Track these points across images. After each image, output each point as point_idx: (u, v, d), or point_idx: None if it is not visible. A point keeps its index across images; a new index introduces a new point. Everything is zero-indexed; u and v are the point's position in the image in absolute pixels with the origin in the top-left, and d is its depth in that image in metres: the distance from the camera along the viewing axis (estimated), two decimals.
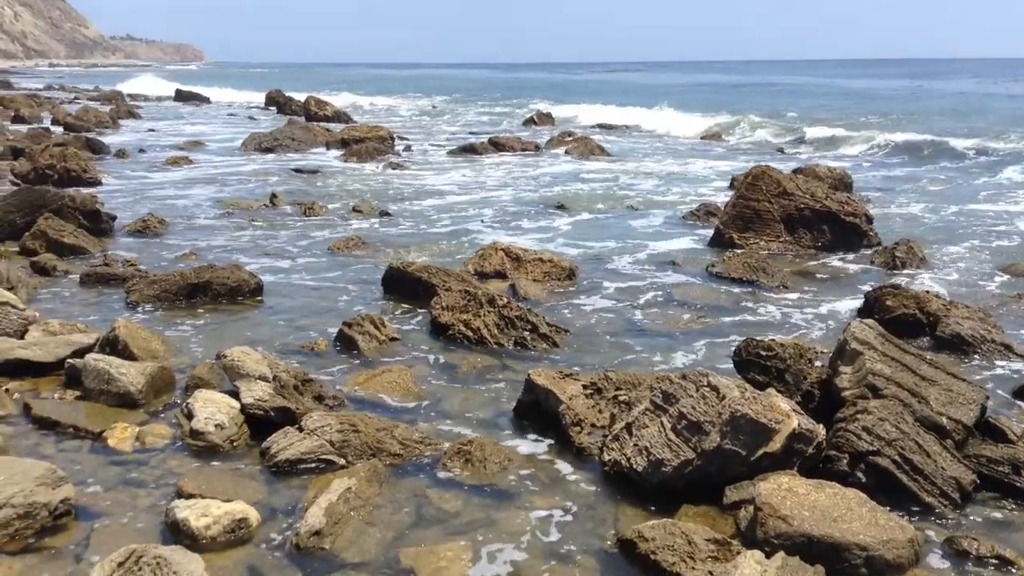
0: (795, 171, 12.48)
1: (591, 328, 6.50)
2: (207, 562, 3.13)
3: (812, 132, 22.74)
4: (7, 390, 4.93)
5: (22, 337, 5.49)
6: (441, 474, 4.11)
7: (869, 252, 9.02)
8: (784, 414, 3.91)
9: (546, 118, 28.96)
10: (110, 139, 20.10)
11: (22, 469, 3.64)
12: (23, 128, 21.96)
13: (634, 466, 3.92)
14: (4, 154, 15.91)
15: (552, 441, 4.48)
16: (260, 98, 40.10)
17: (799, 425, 3.92)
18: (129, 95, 43.52)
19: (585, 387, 4.65)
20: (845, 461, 3.94)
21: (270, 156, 18.24)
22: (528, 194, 13.44)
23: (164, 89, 49.62)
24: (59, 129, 22.58)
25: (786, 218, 9.39)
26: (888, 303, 6.44)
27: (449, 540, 3.54)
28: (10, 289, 6.36)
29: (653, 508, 3.77)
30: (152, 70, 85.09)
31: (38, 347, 5.29)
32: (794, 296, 7.45)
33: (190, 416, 4.40)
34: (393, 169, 16.22)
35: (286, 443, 4.18)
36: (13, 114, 26.24)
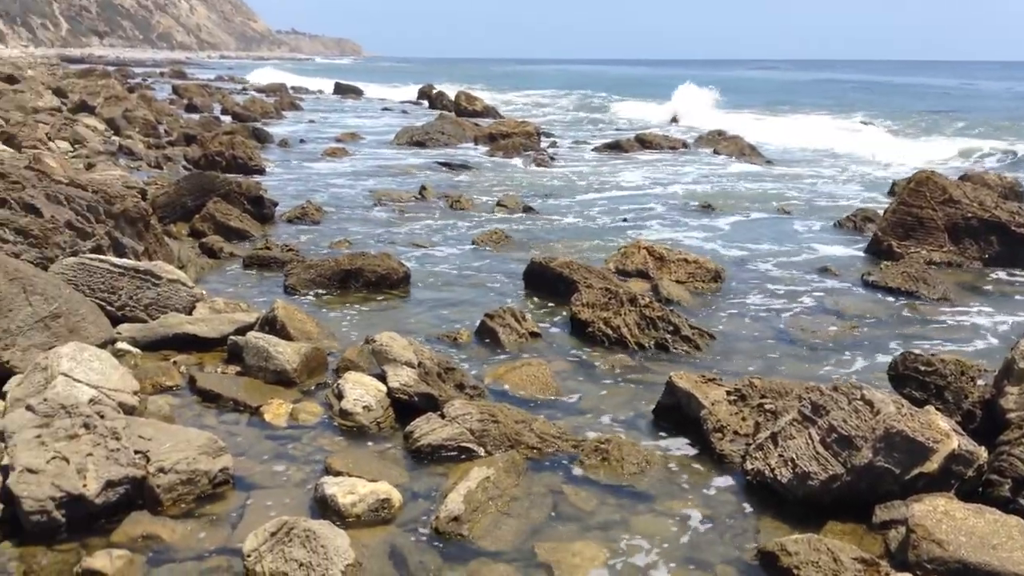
0: (962, 178, 11.78)
1: (736, 333, 6.35)
2: (351, 538, 3.25)
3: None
4: (175, 362, 5.28)
5: (190, 313, 5.86)
6: (577, 471, 4.11)
7: None
8: (943, 433, 3.71)
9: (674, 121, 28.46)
10: (274, 129, 21.15)
11: (186, 438, 3.89)
12: (195, 116, 23.43)
13: (778, 477, 3.80)
14: (178, 140, 17.05)
15: (692, 446, 4.40)
16: (413, 92, 41.22)
17: (959, 446, 3.70)
18: (292, 88, 45.59)
19: (729, 393, 4.54)
20: (1008, 487, 3.69)
21: (421, 149, 18.73)
22: (674, 193, 13.25)
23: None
24: (228, 118, 23.96)
25: (951, 227, 8.86)
26: None
27: (584, 538, 3.54)
28: (181, 268, 6.80)
29: (796, 522, 3.65)
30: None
31: (204, 323, 5.64)
32: (957, 310, 7.03)
33: (340, 396, 4.58)
34: (538, 165, 16.33)
35: (428, 428, 4.29)
36: (187, 103, 28.02)
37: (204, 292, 6.27)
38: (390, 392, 4.66)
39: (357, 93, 44.89)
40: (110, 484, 3.51)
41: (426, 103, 35.64)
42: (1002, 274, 8.34)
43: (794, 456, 3.81)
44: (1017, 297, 7.54)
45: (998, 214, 8.87)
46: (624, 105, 35.03)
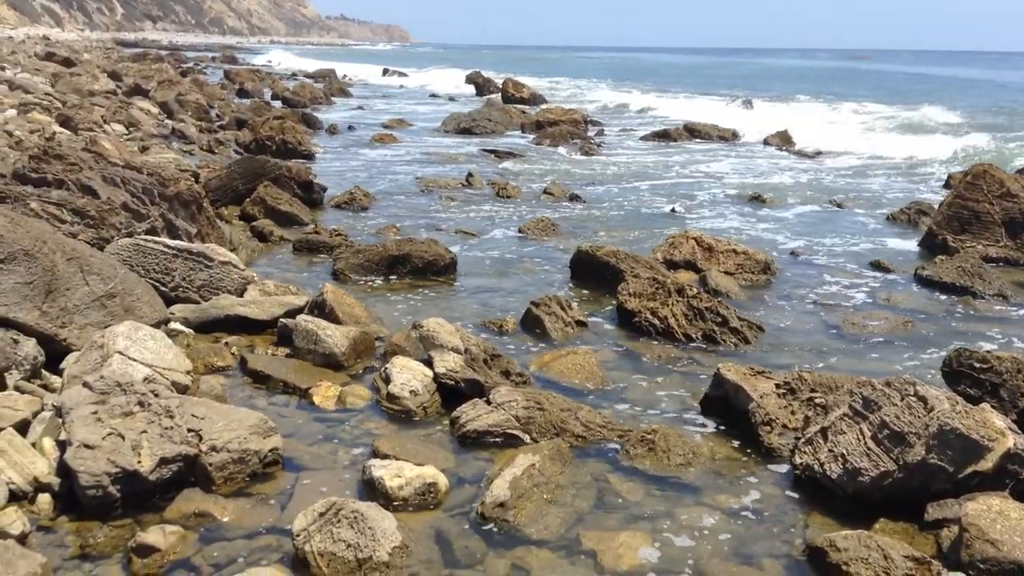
0: (1020, 171, 11.48)
1: (786, 326, 6.27)
2: (398, 521, 3.28)
3: None
4: (226, 343, 5.36)
5: (241, 295, 5.94)
6: (623, 461, 4.10)
7: None
8: (999, 432, 3.63)
9: (747, 103, 28.08)
10: (323, 115, 21.33)
11: (238, 417, 3.95)
12: (246, 101, 23.71)
13: (828, 472, 3.75)
14: (229, 124, 17.28)
15: (740, 439, 4.36)
16: (460, 79, 41.26)
17: (1015, 444, 3.62)
18: (342, 74, 45.94)
19: (778, 386, 4.49)
20: None
21: (468, 136, 18.77)
22: (724, 183, 13.11)
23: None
24: (278, 103, 24.21)
25: (1008, 221, 8.65)
26: None
27: (629, 528, 3.53)
28: (233, 250, 6.90)
29: (845, 518, 3.60)
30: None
31: (255, 305, 5.72)
32: (1013, 307, 6.87)
33: (387, 380, 4.62)
34: (585, 154, 16.26)
35: (474, 414, 4.31)
36: (238, 87, 28.36)
37: (255, 275, 6.36)
38: (436, 377, 4.69)
39: (406, 79, 45.05)
40: (164, 461, 3.58)
41: (473, 90, 35.64)
42: None
43: (844, 451, 3.76)
44: None
45: None
46: (676, 93, 34.71)
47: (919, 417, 3.65)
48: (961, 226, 8.76)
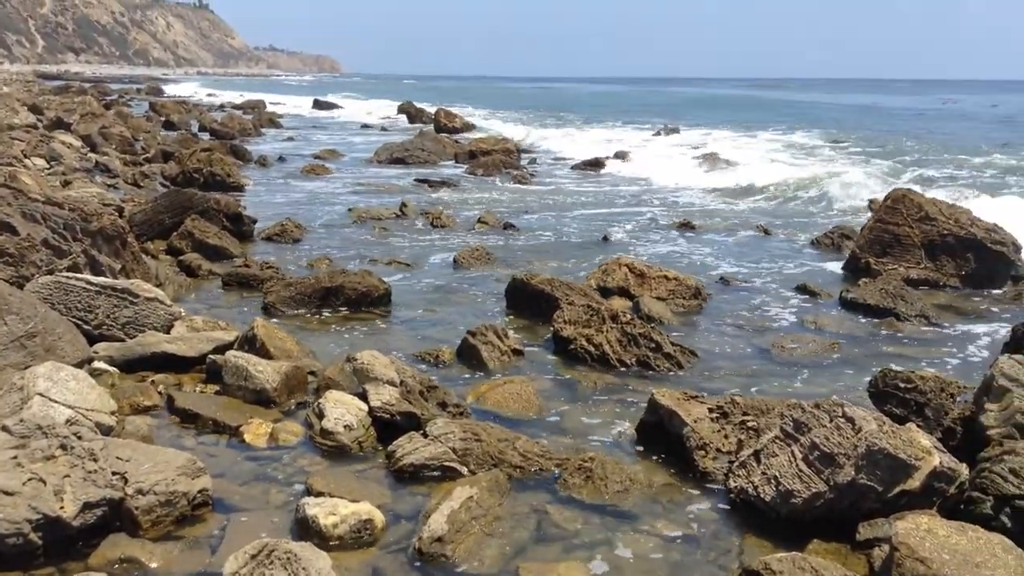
0: (937, 194, 11.92)
1: (717, 351, 6.36)
2: (333, 560, 3.20)
3: None
4: (153, 382, 5.21)
5: (168, 332, 5.79)
6: (561, 490, 4.09)
7: (1018, 283, 8.51)
8: (925, 450, 3.72)
9: (673, 131, 28.67)
10: (253, 146, 21.07)
11: (165, 458, 3.83)
12: (173, 133, 23.30)
13: (762, 495, 3.80)
14: (155, 157, 16.94)
15: (675, 464, 4.40)
16: (392, 109, 41.26)
17: (941, 463, 3.72)
18: (271, 102, 45.54)
19: (711, 410, 4.55)
20: (989, 504, 3.70)
21: (401, 166, 18.72)
22: (654, 210, 13.32)
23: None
24: (206, 135, 23.85)
25: (927, 244, 8.95)
26: None
27: (568, 559, 3.52)
28: (159, 286, 6.74)
29: (780, 540, 3.64)
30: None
31: (183, 342, 5.58)
32: (935, 327, 7.10)
33: (321, 416, 4.54)
34: (518, 182, 16.36)
35: (411, 448, 4.26)
36: (164, 119, 27.87)
37: (182, 311, 6.21)
38: (371, 411, 4.63)
39: (337, 110, 44.86)
40: (88, 506, 3.45)
41: (405, 120, 35.67)
42: (980, 290, 8.43)
43: (777, 474, 3.81)
44: (994, 314, 7.62)
45: (974, 231, 8.97)
46: (607, 122, 35.25)
47: (848, 438, 3.73)
48: (883, 249, 9.03)
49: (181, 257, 8.48)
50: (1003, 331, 6.69)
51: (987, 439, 4.16)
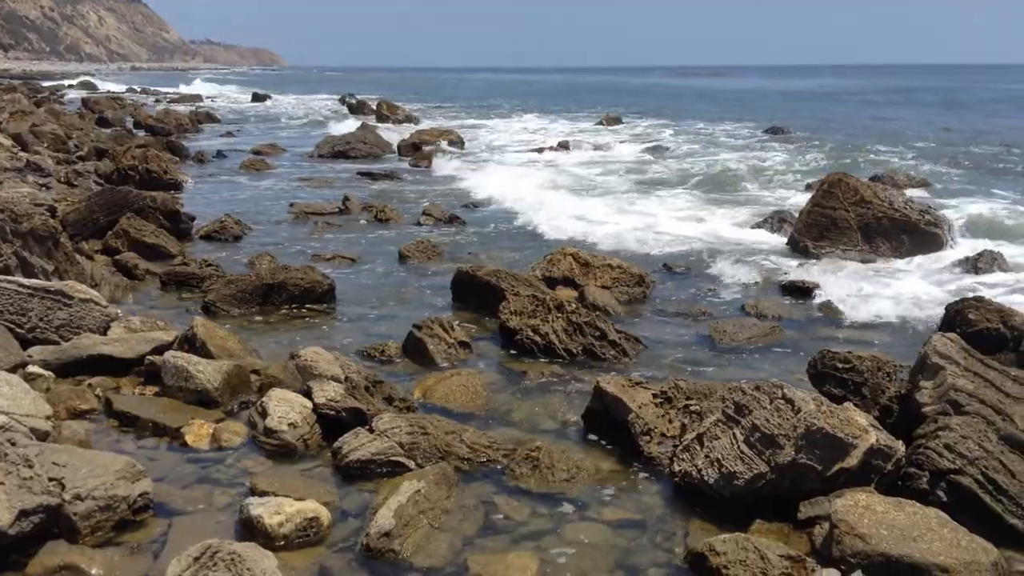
0: (872, 178, 12.20)
1: (662, 338, 6.43)
2: (279, 560, 3.17)
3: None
4: (90, 385, 5.09)
5: (105, 334, 5.66)
6: (509, 481, 4.10)
7: (950, 263, 8.73)
8: (862, 429, 3.81)
9: (615, 120, 28.87)
10: (190, 142, 20.67)
11: (103, 463, 3.75)
12: (107, 130, 22.74)
13: (705, 478, 3.86)
14: (89, 155, 16.51)
15: (621, 450, 4.44)
16: (333, 102, 40.80)
17: (877, 440, 3.81)
18: (208, 97, 44.71)
19: (655, 396, 4.60)
20: (925, 479, 3.81)
21: (343, 160, 18.52)
22: (599, 196, 13.38)
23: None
24: (141, 132, 23.31)
25: (863, 227, 9.16)
26: (970, 316, 6.23)
27: (517, 549, 3.54)
28: (94, 287, 6.57)
29: (724, 522, 3.70)
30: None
31: (120, 343, 5.45)
32: (872, 307, 7.25)
33: (264, 415, 4.48)
34: (463, 173, 16.30)
35: (357, 444, 4.23)
36: (98, 116, 27.17)
37: (119, 311, 6.07)
38: (316, 408, 4.58)
39: (276, 103, 44.23)
40: (24, 514, 3.36)
41: (347, 112, 35.28)
42: (915, 271, 8.61)
43: (720, 456, 3.87)
44: (929, 293, 7.79)
45: (908, 213, 9.21)
46: (552, 112, 35.32)
47: (787, 419, 3.80)
48: (820, 232, 9.21)
49: (117, 257, 8.28)
50: (938, 311, 6.86)
51: (922, 416, 4.28)
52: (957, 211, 11.20)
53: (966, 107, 39.29)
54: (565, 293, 7.26)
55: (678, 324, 6.80)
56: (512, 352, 6.03)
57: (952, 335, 4.79)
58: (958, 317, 6.31)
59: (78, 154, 16.87)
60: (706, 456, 3.91)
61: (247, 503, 3.62)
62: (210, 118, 30.75)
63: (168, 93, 48.65)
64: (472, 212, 12.00)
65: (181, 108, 33.10)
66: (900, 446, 3.90)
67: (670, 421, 4.47)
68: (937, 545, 3.25)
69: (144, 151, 14.05)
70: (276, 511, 3.54)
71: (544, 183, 14.97)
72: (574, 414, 4.91)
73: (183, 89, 53.42)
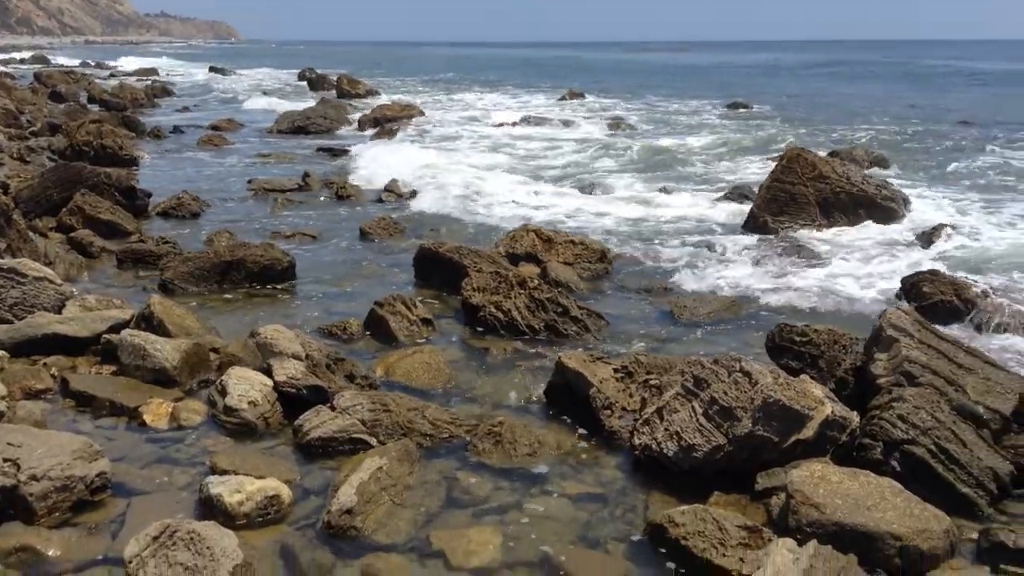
0: (831, 153, 12.33)
1: (624, 313, 6.47)
2: (240, 538, 3.16)
3: None
4: (45, 364, 5.01)
5: (59, 312, 5.56)
6: (472, 456, 4.12)
7: (907, 236, 8.87)
8: (817, 401, 3.88)
9: (578, 95, 28.82)
10: (146, 118, 20.28)
11: (59, 442, 3.70)
12: (60, 105, 22.23)
13: (665, 451, 3.90)
14: (42, 130, 16.14)
15: (583, 424, 4.47)
16: (292, 76, 40.22)
17: (833, 412, 3.88)
18: (166, 72, 43.86)
19: (616, 370, 4.63)
20: (879, 449, 3.89)
21: (303, 135, 18.30)
22: (560, 172, 13.38)
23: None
24: (96, 107, 22.83)
25: (822, 202, 9.26)
26: (925, 289, 6.35)
27: (479, 524, 3.56)
28: (48, 264, 6.45)
29: (684, 494, 3.75)
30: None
31: (75, 322, 5.36)
32: (829, 282, 7.35)
33: (224, 393, 4.45)
34: (425, 148, 16.18)
35: (318, 421, 4.21)
36: (51, 91, 26.54)
37: (74, 290, 5.97)
38: (277, 386, 4.55)
39: (234, 77, 43.50)
40: None
41: (307, 87, 34.80)
42: (872, 245, 8.71)
43: (679, 429, 3.91)
44: (885, 267, 7.91)
45: (865, 188, 9.33)
46: (514, 87, 35.16)
47: (745, 392, 3.85)
48: (780, 208, 9.29)
49: (72, 234, 8.13)
50: (894, 284, 6.97)
51: (877, 387, 4.36)
52: (913, 188, 11.37)
53: (925, 81, 39.78)
54: (528, 269, 7.27)
55: (639, 299, 6.85)
56: (475, 329, 6.04)
57: (906, 307, 4.89)
58: (913, 290, 6.43)
59: (31, 130, 16.48)
60: (666, 429, 3.95)
61: (207, 482, 3.60)
62: (167, 92, 30.20)
63: (120, 68, 47.54)
64: (434, 188, 11.90)
65: (136, 82, 32.41)
66: (855, 417, 3.97)
67: (631, 395, 4.51)
68: (891, 514, 3.32)
69: (99, 126, 13.75)
70: (236, 489, 3.52)
71: (504, 159, 14.95)
72: (536, 390, 4.93)
73: (138, 63, 52.22)
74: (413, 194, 11.20)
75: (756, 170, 13.50)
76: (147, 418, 4.39)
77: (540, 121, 20.41)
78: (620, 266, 7.83)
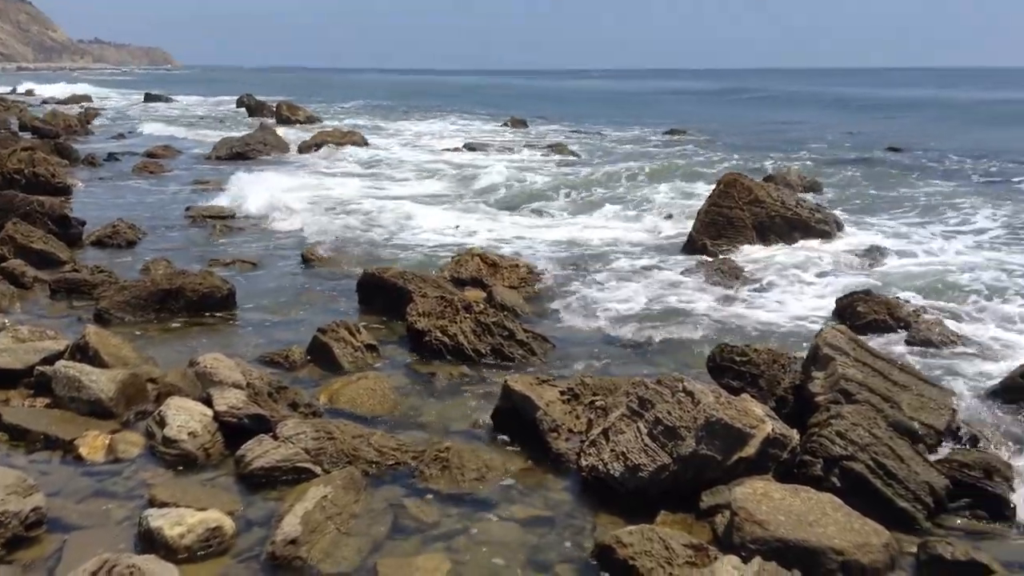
0: (766, 178, 12.62)
1: (568, 336, 6.51)
2: (181, 572, 3.09)
3: None
4: None
5: None
6: (419, 482, 4.09)
7: (841, 258, 9.08)
8: (758, 419, 3.95)
9: (520, 123, 29.05)
10: (80, 145, 19.84)
11: None
12: None
13: (611, 472, 3.93)
14: None
15: (530, 448, 4.48)
16: (230, 104, 39.79)
17: (773, 430, 3.95)
18: (99, 98, 43.03)
19: (562, 393, 4.65)
20: (819, 466, 3.97)
21: (242, 161, 18.08)
22: (503, 198, 13.44)
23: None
24: (27, 134, 22.26)
25: (758, 225, 9.47)
26: (859, 309, 6.52)
27: (427, 551, 3.53)
28: None
29: (631, 514, 3.77)
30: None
31: (7, 353, 5.21)
32: (767, 302, 7.50)
33: (162, 424, 4.35)
34: (367, 173, 16.14)
35: (260, 451, 4.14)
36: None
37: (6, 321, 5.80)
38: (217, 416, 4.47)
39: (170, 104, 42.88)
40: None
41: (245, 113, 34.44)
42: (808, 267, 8.91)
43: (625, 450, 3.95)
44: (821, 288, 8.10)
45: (799, 212, 9.58)
46: (458, 114, 35.29)
47: (688, 411, 3.91)
48: (718, 231, 9.47)
49: (3, 264, 7.88)
50: (829, 304, 7.14)
51: (816, 405, 4.46)
52: (845, 211, 11.68)
53: (859, 110, 41.01)
54: (473, 294, 7.28)
55: (585, 321, 6.89)
56: (420, 354, 6.01)
57: (842, 327, 5.02)
58: (848, 310, 6.60)
59: None
60: (612, 450, 3.98)
61: (146, 515, 3.51)
62: (100, 119, 29.61)
63: (53, 97, 46.47)
64: (376, 213, 11.86)
65: (69, 110, 31.73)
66: (795, 435, 4.05)
67: (577, 417, 4.53)
68: (832, 529, 3.39)
69: (30, 154, 13.40)
70: (177, 522, 3.44)
71: (445, 186, 14.98)
72: (483, 414, 4.93)
73: (71, 90, 51.04)
74: (357, 218, 11.12)
75: (697, 194, 13.74)
76: (83, 451, 4.27)
77: (482, 147, 20.51)
78: (564, 290, 7.88)
